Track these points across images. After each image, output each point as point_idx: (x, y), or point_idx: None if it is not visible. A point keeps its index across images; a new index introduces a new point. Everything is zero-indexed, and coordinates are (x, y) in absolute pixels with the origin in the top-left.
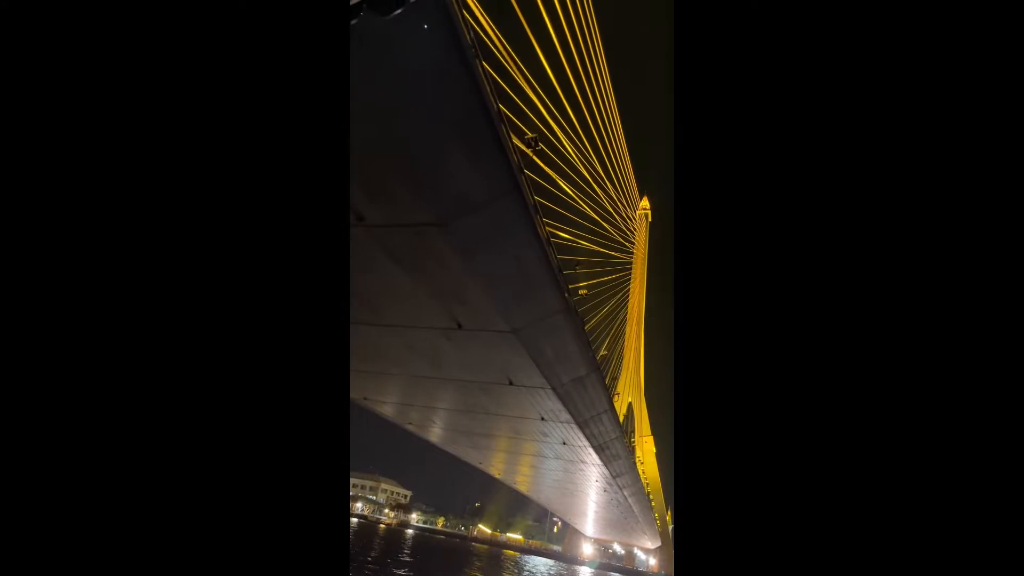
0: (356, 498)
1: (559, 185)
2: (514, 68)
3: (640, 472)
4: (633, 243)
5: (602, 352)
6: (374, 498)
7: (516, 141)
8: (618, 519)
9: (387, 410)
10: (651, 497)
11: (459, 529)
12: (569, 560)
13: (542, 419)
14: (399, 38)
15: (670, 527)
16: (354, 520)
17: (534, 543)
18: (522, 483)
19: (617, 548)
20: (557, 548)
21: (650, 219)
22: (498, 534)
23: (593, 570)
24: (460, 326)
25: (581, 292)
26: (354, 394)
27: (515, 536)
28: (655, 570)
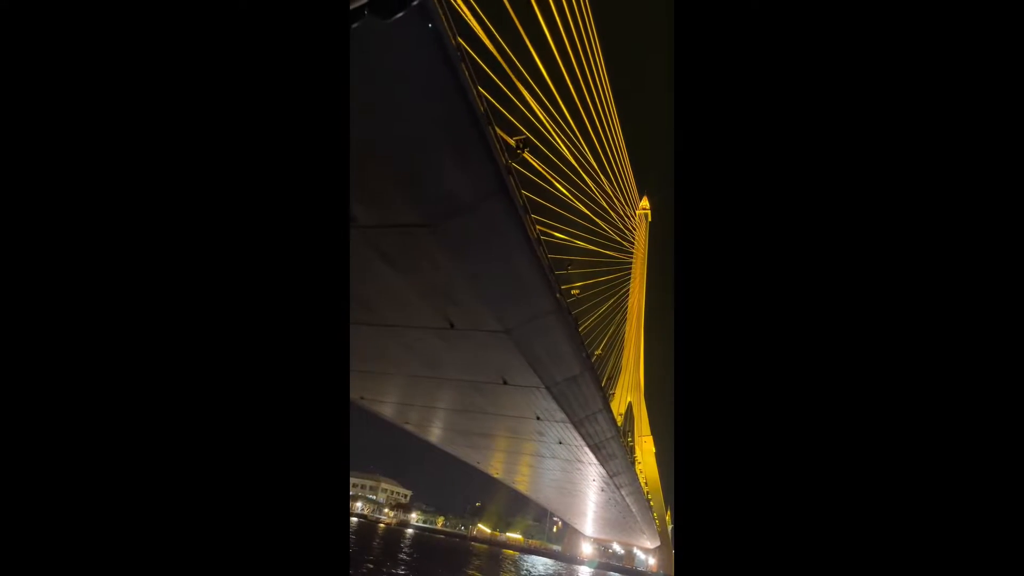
0: (356, 497)
1: (555, 185)
2: (508, 67)
3: (639, 472)
4: (633, 243)
5: (597, 352)
6: (374, 497)
7: (507, 138)
8: (617, 519)
9: (384, 409)
10: (650, 497)
11: (459, 529)
12: (569, 560)
13: (537, 418)
14: (383, 40)
15: (669, 527)
16: (354, 520)
17: (534, 543)
18: (521, 483)
19: (617, 548)
20: (557, 548)
21: (650, 219)
22: (497, 534)
23: (593, 570)
24: (453, 326)
25: (574, 292)
26: (351, 394)
27: (515, 536)
28: (654, 570)
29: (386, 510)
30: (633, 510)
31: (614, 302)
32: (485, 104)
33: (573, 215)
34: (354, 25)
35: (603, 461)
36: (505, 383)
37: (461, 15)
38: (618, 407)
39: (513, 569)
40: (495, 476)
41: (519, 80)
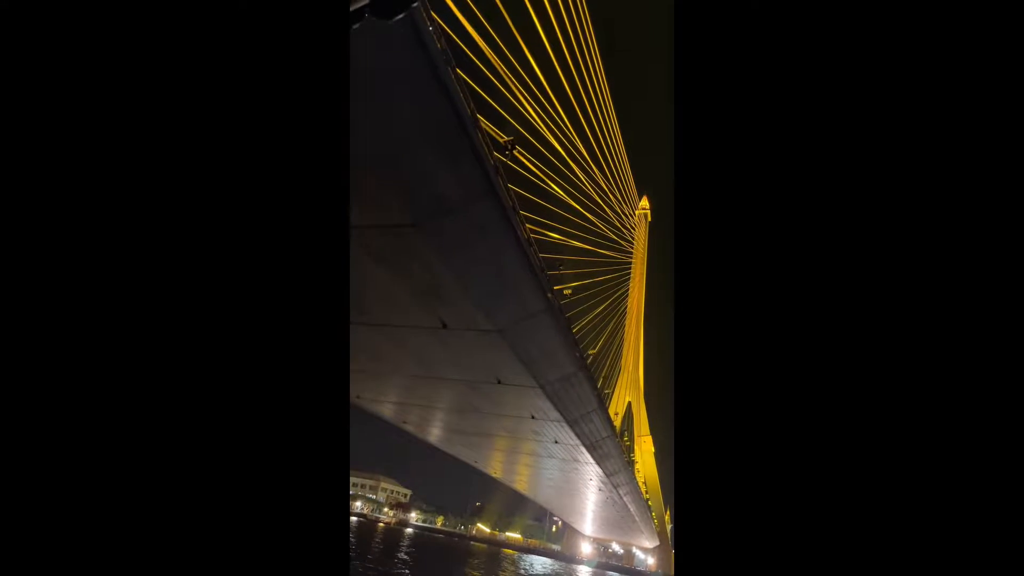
0: (355, 497)
1: (550, 185)
2: (505, 66)
3: (638, 472)
4: (632, 242)
5: (591, 351)
6: (374, 497)
7: (500, 135)
8: (615, 518)
9: (381, 409)
10: (649, 497)
11: (458, 528)
12: (568, 559)
13: (532, 417)
14: (369, 42)
15: (669, 527)
16: (353, 519)
17: (533, 542)
18: (520, 483)
19: (616, 547)
20: (556, 547)
21: (650, 219)
22: (497, 533)
23: (592, 569)
24: (445, 325)
25: (566, 292)
26: None
27: (514, 535)
28: (653, 569)
29: (385, 509)
30: (631, 509)
31: (612, 301)
32: (473, 106)
33: (569, 214)
34: (355, 26)
35: (599, 460)
36: (499, 382)
37: (453, 14)
38: (617, 407)
39: (512, 568)
40: (494, 476)
41: (515, 79)
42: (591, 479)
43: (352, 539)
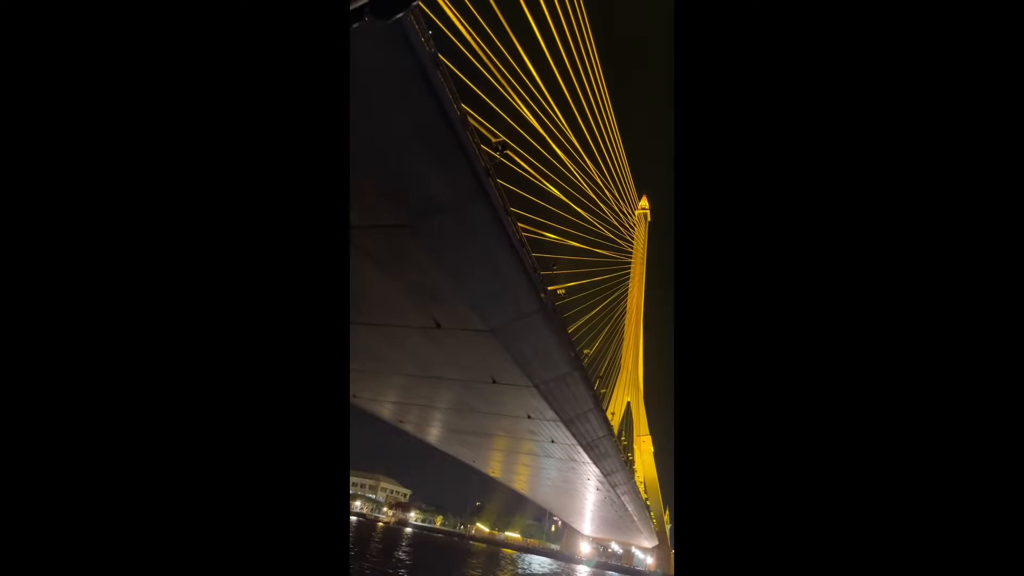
0: (355, 496)
1: (545, 185)
2: (502, 65)
3: (637, 471)
4: (631, 242)
5: (587, 351)
6: (373, 496)
7: (491, 137)
8: (614, 518)
9: (377, 408)
10: (648, 496)
11: (458, 528)
12: (567, 559)
13: (529, 417)
14: (357, 42)
15: (668, 527)
16: (352, 518)
17: (532, 542)
18: (519, 483)
19: (615, 547)
20: (555, 547)
21: (649, 219)
22: (496, 533)
23: (591, 569)
24: (439, 325)
25: (560, 292)
26: None
27: (513, 535)
28: (652, 569)
29: (385, 509)
30: (629, 509)
31: (611, 301)
32: (462, 107)
33: (567, 214)
34: (354, 25)
35: (596, 460)
36: (494, 382)
37: (446, 12)
38: (615, 407)
39: (511, 568)
40: (493, 476)
41: (511, 77)
42: (589, 479)
43: (351, 539)
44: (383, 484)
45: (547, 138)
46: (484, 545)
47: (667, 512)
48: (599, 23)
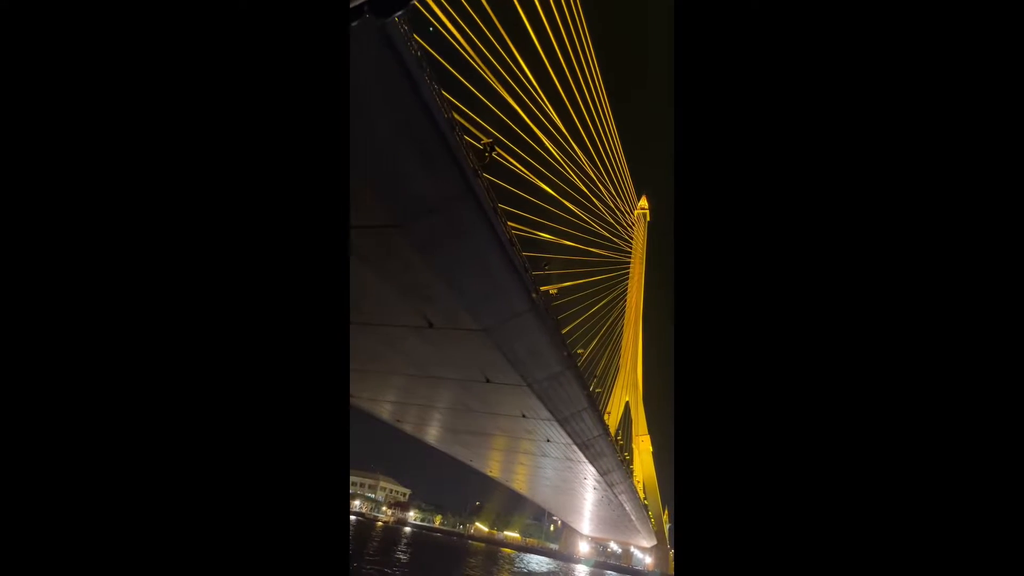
0: (354, 496)
1: (540, 185)
2: (493, 62)
3: (636, 470)
4: (630, 241)
5: (580, 351)
6: (373, 496)
7: (481, 136)
8: (613, 518)
9: (374, 407)
10: (646, 496)
11: (457, 527)
12: (566, 558)
13: (523, 416)
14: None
15: (666, 526)
16: (351, 518)
17: (531, 541)
18: (518, 483)
19: (614, 546)
20: (554, 546)
21: (648, 219)
22: (495, 532)
23: (590, 568)
24: (431, 324)
25: (552, 292)
26: None
27: (512, 534)
28: (650, 568)
29: (384, 508)
30: (627, 508)
31: (609, 301)
32: (449, 108)
33: (563, 213)
34: (353, 24)
35: (592, 459)
36: (488, 381)
37: (441, 10)
38: (615, 407)
39: (509, 567)
40: (491, 476)
41: (509, 76)
42: (586, 478)
43: (350, 538)
44: (382, 483)
45: (543, 138)
46: (483, 544)
47: (665, 512)
48: (597, 23)
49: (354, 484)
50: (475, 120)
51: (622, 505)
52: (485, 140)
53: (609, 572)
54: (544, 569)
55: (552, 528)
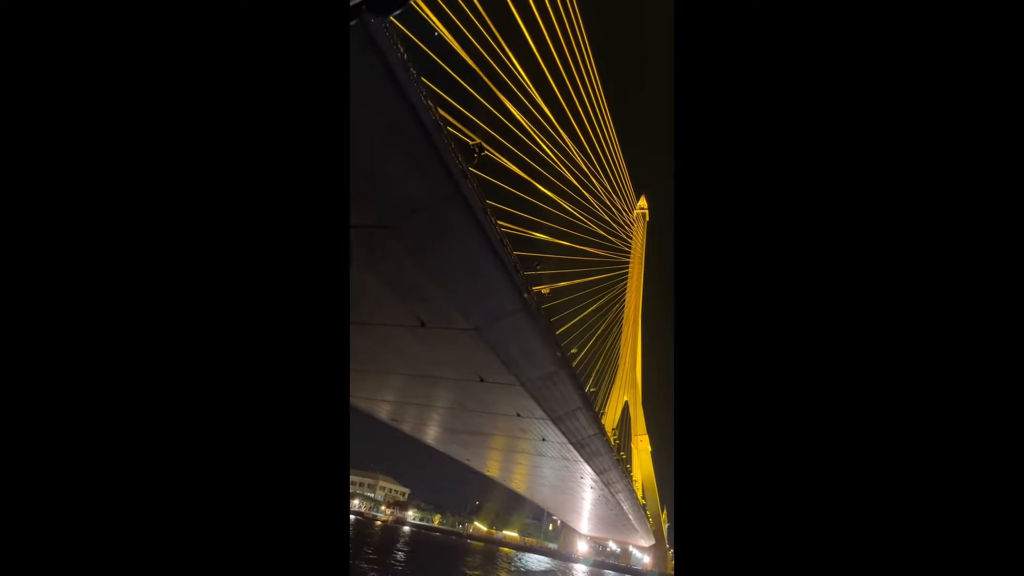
0: (353, 495)
1: (534, 184)
2: (480, 66)
3: (635, 470)
4: (629, 240)
5: (574, 351)
6: (372, 495)
7: (471, 136)
8: (611, 517)
9: (370, 407)
10: (645, 496)
11: (456, 527)
12: (564, 558)
13: (518, 415)
14: None
15: (665, 526)
16: (350, 517)
17: (530, 540)
18: (517, 482)
19: (613, 546)
20: (553, 546)
21: (648, 219)
22: (494, 532)
23: (588, 567)
24: (424, 324)
25: (544, 292)
26: None
27: (511, 534)
28: (649, 568)
29: (383, 507)
30: (624, 507)
31: (608, 301)
32: (436, 107)
33: (559, 212)
34: (352, 22)
35: (588, 458)
36: (482, 380)
37: (428, 9)
38: (613, 406)
39: (507, 566)
40: (489, 475)
41: (504, 74)
42: (583, 477)
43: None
44: (382, 483)
45: (538, 137)
46: (482, 544)
47: (664, 512)
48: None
49: (353, 483)
50: (468, 118)
51: (619, 504)
52: (474, 141)
53: (608, 572)
54: (543, 568)
55: (551, 527)
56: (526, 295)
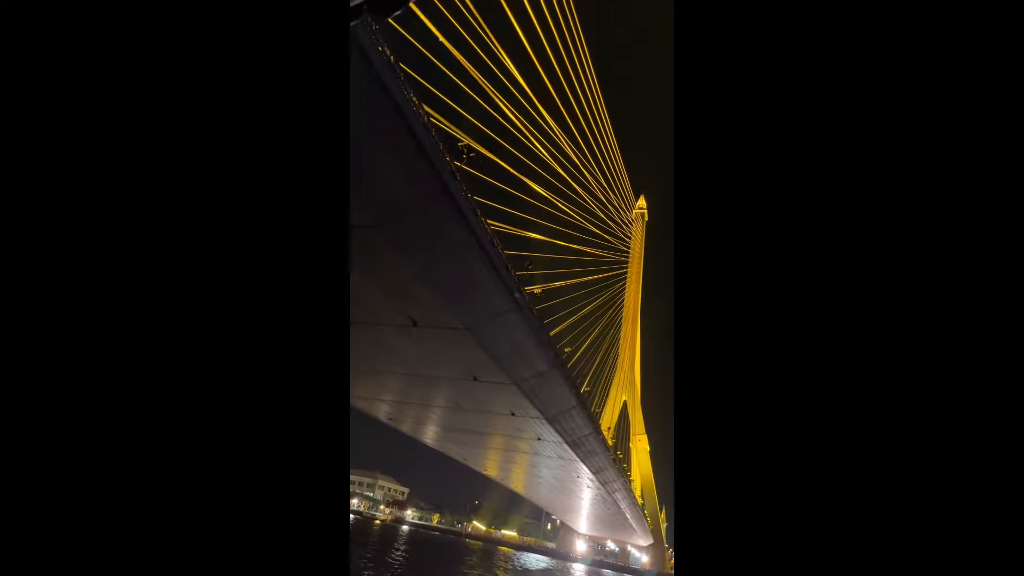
0: (353, 494)
1: (529, 183)
2: (472, 63)
3: (634, 470)
4: (627, 240)
5: (568, 350)
6: (371, 495)
7: (463, 136)
8: (609, 516)
9: (365, 406)
10: (643, 495)
11: (455, 526)
12: (563, 557)
13: (512, 414)
14: None
15: (663, 526)
16: (349, 516)
17: (529, 540)
18: (515, 482)
19: (611, 545)
20: (552, 545)
21: (647, 219)
22: (492, 531)
23: (587, 567)
24: (416, 323)
25: (536, 292)
26: None
27: (510, 533)
28: (647, 567)
29: (382, 507)
30: (621, 506)
31: (606, 300)
32: (423, 109)
33: (555, 211)
34: (353, 23)
35: (584, 457)
36: (476, 379)
37: (426, 7)
38: (611, 406)
39: (505, 565)
40: (488, 475)
41: (500, 73)
42: (580, 476)
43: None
44: (381, 482)
45: (533, 136)
46: (481, 543)
47: (663, 511)
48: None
49: (352, 483)
50: (460, 116)
51: (617, 504)
52: (463, 142)
53: (606, 571)
54: (541, 567)
55: (549, 527)
56: (517, 295)
